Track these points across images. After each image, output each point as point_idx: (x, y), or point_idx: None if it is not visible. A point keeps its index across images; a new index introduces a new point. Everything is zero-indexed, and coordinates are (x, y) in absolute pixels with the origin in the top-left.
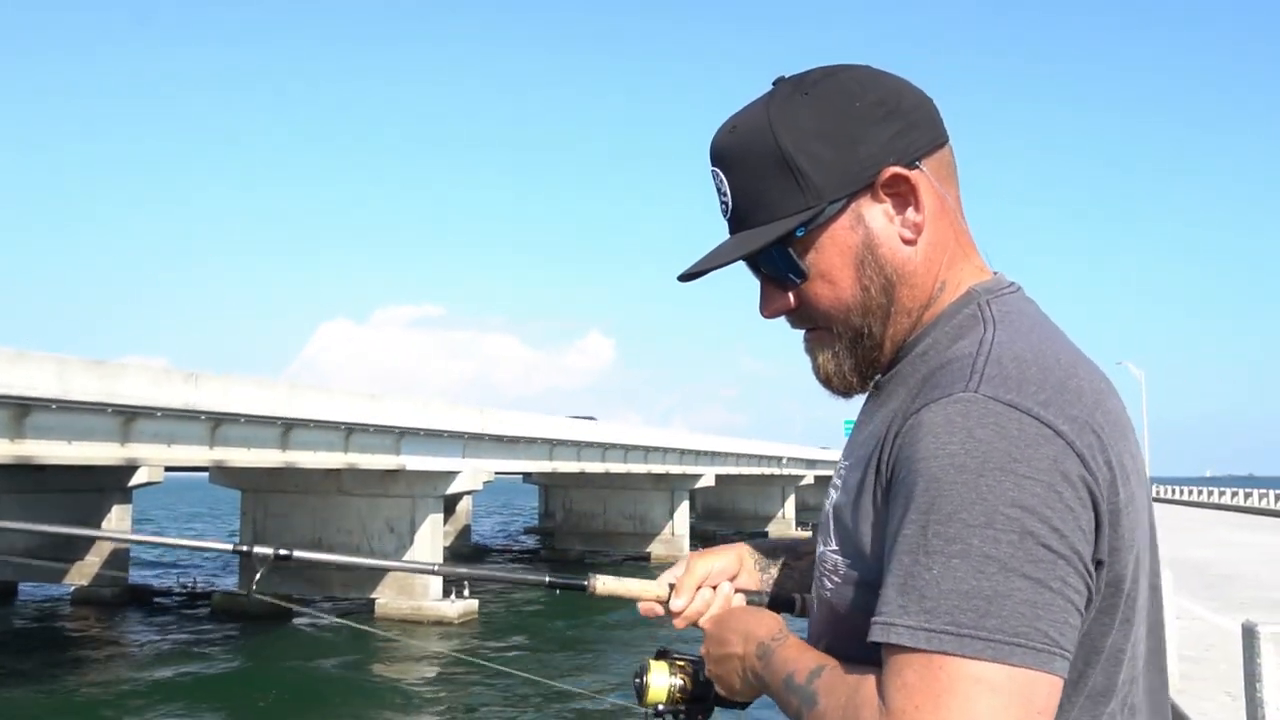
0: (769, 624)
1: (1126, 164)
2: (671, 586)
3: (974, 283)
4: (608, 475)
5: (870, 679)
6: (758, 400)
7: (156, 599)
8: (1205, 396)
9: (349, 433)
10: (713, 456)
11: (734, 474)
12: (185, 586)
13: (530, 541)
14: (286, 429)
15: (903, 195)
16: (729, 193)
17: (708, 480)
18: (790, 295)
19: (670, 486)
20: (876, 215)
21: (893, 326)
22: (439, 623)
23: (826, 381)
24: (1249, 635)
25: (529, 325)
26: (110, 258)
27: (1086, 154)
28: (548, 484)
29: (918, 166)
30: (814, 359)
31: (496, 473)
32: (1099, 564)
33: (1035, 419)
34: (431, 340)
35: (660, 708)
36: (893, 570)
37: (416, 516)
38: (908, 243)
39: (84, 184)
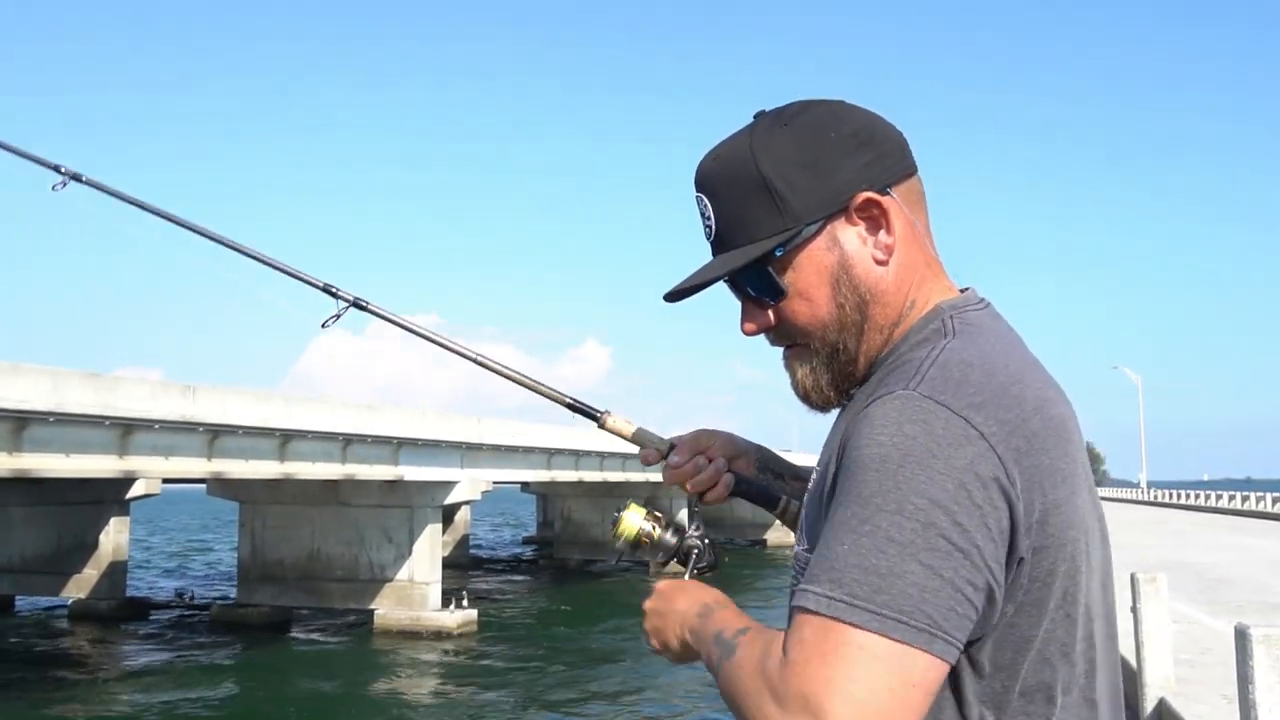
0: (716, 593)
1: (1125, 162)
2: (673, 446)
3: (941, 300)
4: (606, 484)
5: (781, 635)
6: (754, 408)
7: (154, 611)
8: (1203, 400)
9: (347, 443)
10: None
11: None
12: (183, 598)
13: (529, 551)
14: (284, 440)
15: (875, 219)
16: (712, 217)
17: None
18: (770, 313)
19: (670, 495)
20: (851, 237)
21: (866, 342)
22: (438, 634)
23: (805, 396)
24: (1241, 638)
25: (524, 333)
26: (105, 271)
27: (1084, 151)
28: (546, 493)
29: (889, 193)
30: (793, 375)
31: (495, 482)
32: (1020, 561)
33: (963, 419)
34: (428, 349)
35: (621, 543)
36: (818, 545)
37: (415, 527)
38: (880, 263)
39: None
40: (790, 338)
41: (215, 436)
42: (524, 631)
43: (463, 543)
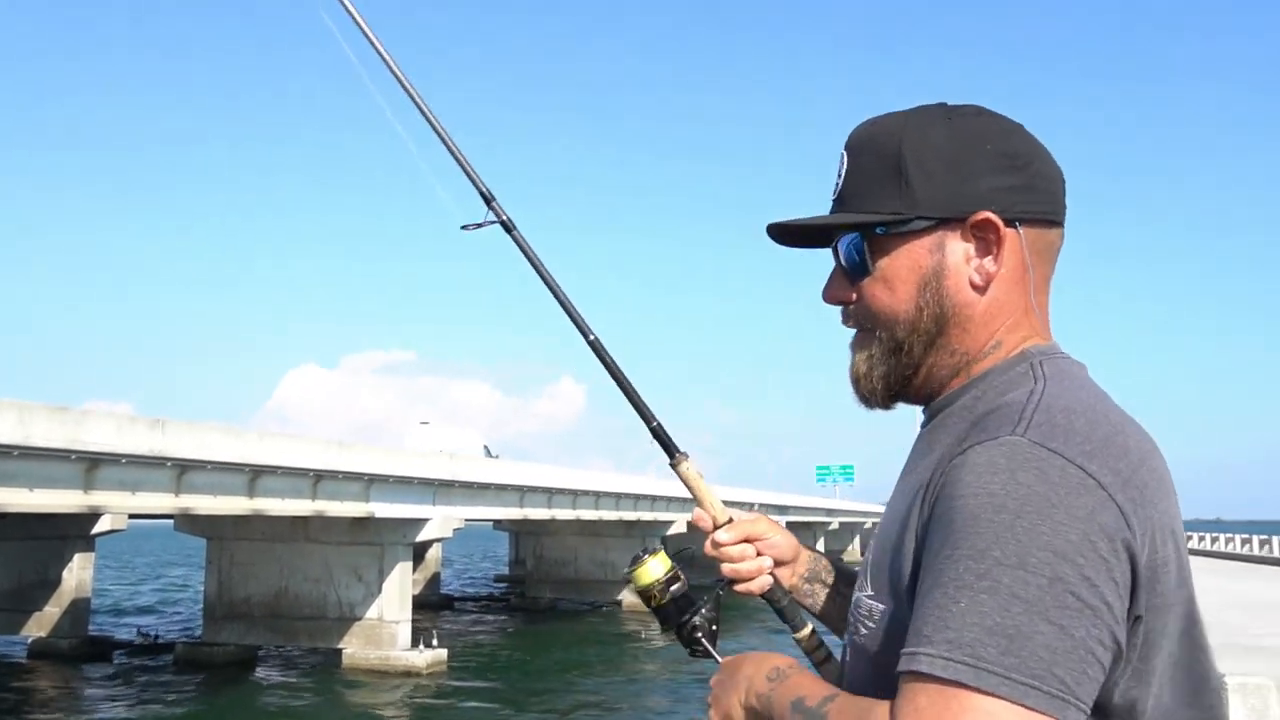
0: (785, 657)
1: (1087, 166)
2: (730, 520)
3: (1030, 346)
4: (579, 522)
5: (885, 704)
6: (730, 448)
7: (117, 651)
8: (1172, 442)
9: (317, 480)
10: (684, 503)
11: None
12: (147, 637)
13: (501, 590)
14: (254, 476)
15: (987, 242)
16: (844, 175)
17: (679, 526)
18: (851, 290)
19: (641, 533)
20: (956, 250)
21: (933, 357)
22: (407, 673)
23: (855, 381)
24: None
25: (500, 371)
26: (71, 301)
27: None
28: (519, 531)
29: (1015, 226)
30: (852, 356)
31: (467, 520)
32: (1137, 619)
33: (1079, 468)
34: (402, 386)
35: (631, 587)
36: (923, 602)
37: (385, 565)
38: (975, 288)
39: (44, 225)
40: (861, 320)
41: (184, 471)
42: (494, 672)
43: (433, 581)
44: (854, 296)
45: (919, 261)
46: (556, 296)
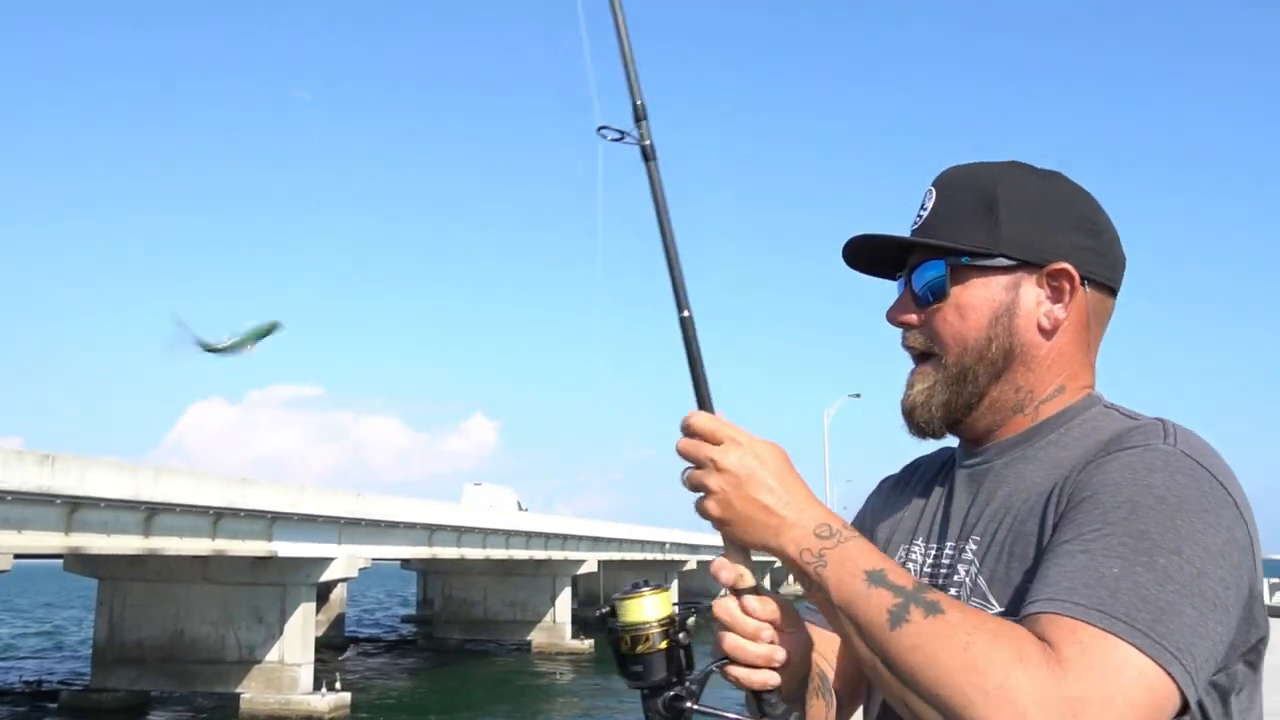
0: (828, 511)
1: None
2: (757, 590)
3: (1094, 393)
4: (488, 561)
5: (1021, 628)
6: (641, 486)
7: None
8: None
9: (218, 518)
10: (595, 542)
11: (617, 559)
12: (30, 684)
13: (407, 630)
14: (150, 514)
15: (1059, 291)
16: (930, 209)
17: (590, 566)
18: (920, 313)
19: (552, 573)
20: (1030, 294)
21: (997, 389)
22: (309, 718)
23: (910, 410)
24: None
25: (410, 407)
26: None
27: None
28: (427, 570)
29: (1084, 285)
30: (910, 387)
31: (373, 559)
32: (1261, 639)
33: (1222, 486)
34: (309, 421)
35: (614, 622)
36: (1064, 562)
37: (287, 605)
38: (1042, 331)
39: None
40: (926, 344)
41: (75, 509)
42: (400, 714)
43: (338, 622)
44: (919, 320)
45: (994, 296)
46: (669, 255)
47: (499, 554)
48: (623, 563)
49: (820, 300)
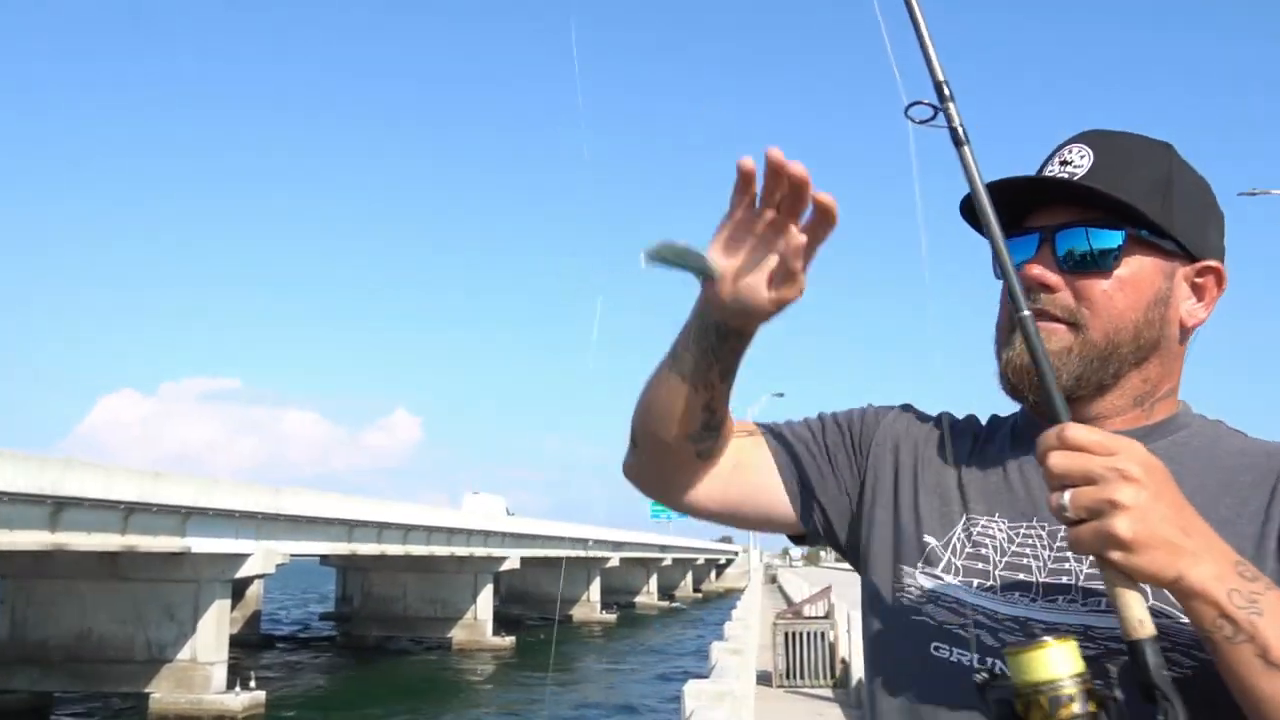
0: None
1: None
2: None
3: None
4: (409, 558)
5: None
6: (564, 483)
7: None
8: None
9: (129, 513)
10: (518, 538)
11: (539, 556)
12: None
13: (326, 627)
14: (57, 509)
15: (1203, 289)
16: (1086, 167)
17: (513, 563)
18: (1066, 277)
19: (474, 570)
20: (1181, 287)
21: (1133, 376)
22: (221, 717)
23: (1021, 369)
24: None
25: (332, 401)
26: None
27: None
28: (346, 566)
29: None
30: (1017, 344)
31: (292, 555)
32: None
33: None
34: (226, 415)
35: (1020, 680)
36: None
37: (201, 602)
38: (1182, 327)
39: None
40: (1072, 314)
41: None
42: (316, 714)
43: (254, 619)
44: (1063, 284)
45: (1155, 279)
46: (996, 252)
47: (420, 550)
48: (545, 560)
49: None
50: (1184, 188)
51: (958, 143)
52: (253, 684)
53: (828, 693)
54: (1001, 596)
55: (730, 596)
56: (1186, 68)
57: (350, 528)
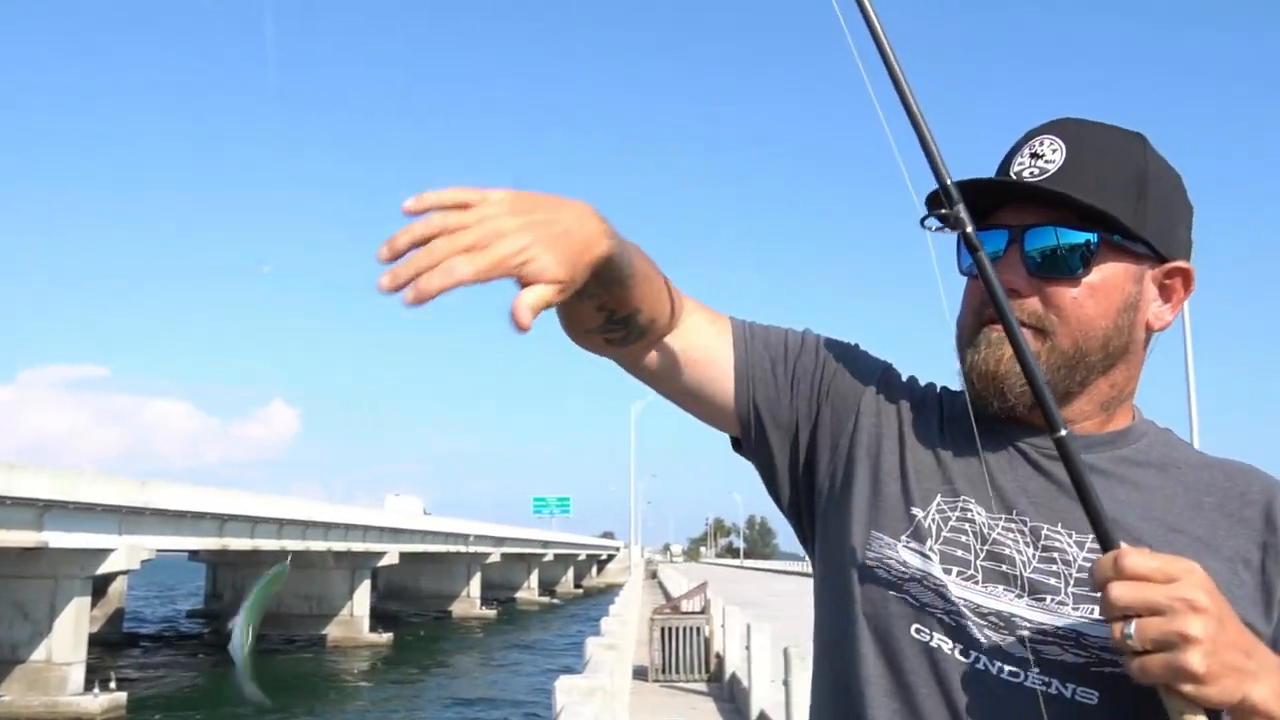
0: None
1: None
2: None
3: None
4: (283, 553)
5: None
6: (446, 478)
7: None
8: None
9: None
10: (397, 533)
11: (419, 551)
12: None
13: (194, 625)
14: None
15: (1170, 291)
16: (1057, 163)
17: (391, 558)
18: (1034, 281)
19: (352, 565)
20: (1149, 288)
21: (1100, 383)
22: None
23: (1003, 375)
24: None
25: (204, 391)
26: None
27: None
28: (217, 562)
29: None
30: (1000, 351)
31: (158, 550)
32: None
33: None
34: (92, 405)
35: None
36: None
37: (58, 600)
38: (1148, 328)
39: None
40: (1040, 320)
41: None
42: (180, 715)
43: (116, 617)
44: (1031, 290)
45: (1124, 284)
46: (1028, 372)
47: (295, 545)
48: (424, 555)
49: None
50: (1157, 185)
51: (972, 249)
52: (113, 685)
53: (703, 687)
54: (983, 588)
55: (611, 592)
56: (1158, 55)
57: (222, 522)
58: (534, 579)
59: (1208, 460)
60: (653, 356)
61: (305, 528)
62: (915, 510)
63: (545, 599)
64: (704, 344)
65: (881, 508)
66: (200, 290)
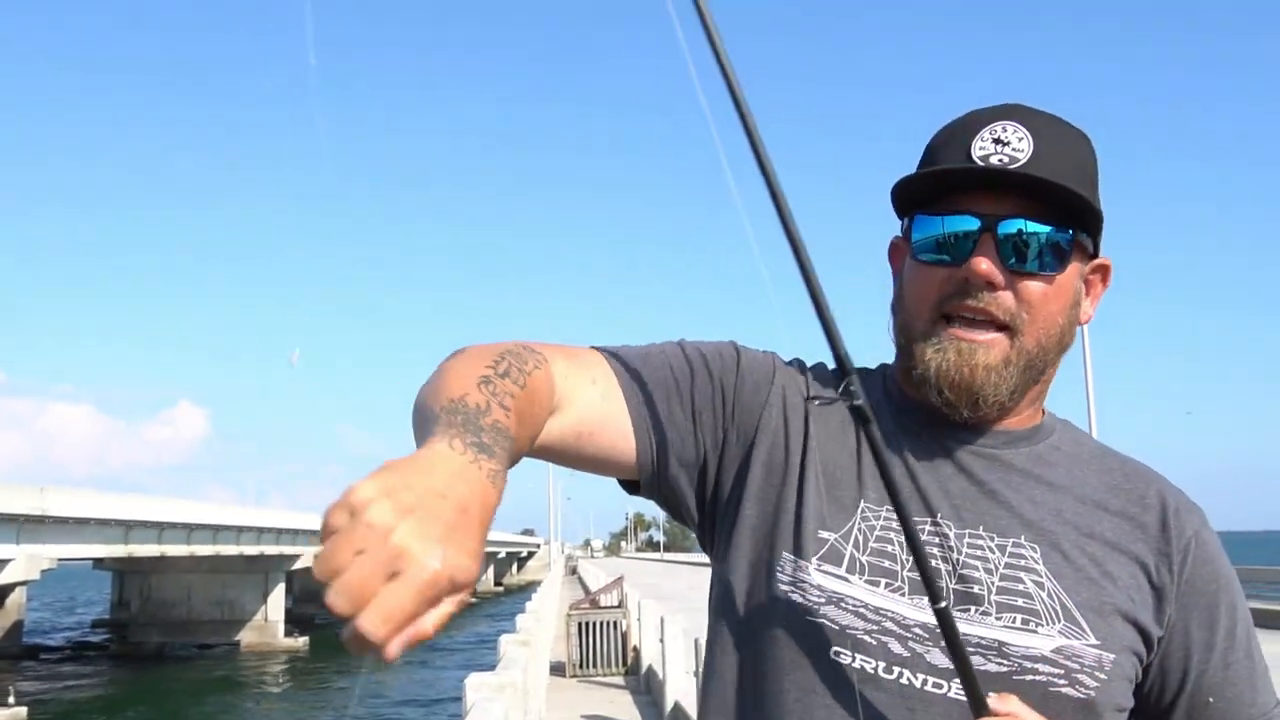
0: None
1: None
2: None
3: None
4: (194, 558)
5: None
6: (361, 476)
7: None
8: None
9: None
10: (311, 535)
11: None
12: None
13: (99, 636)
14: None
15: (1092, 285)
16: (1027, 153)
17: (306, 560)
18: (1010, 276)
19: (265, 569)
20: (1081, 285)
21: (1044, 377)
22: None
23: (979, 384)
24: None
25: (107, 393)
26: None
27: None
28: (123, 570)
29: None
30: (973, 355)
31: (60, 559)
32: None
33: None
34: None
35: None
36: (1251, 679)
37: None
38: (1073, 323)
39: None
40: (1006, 315)
41: None
42: None
43: (15, 630)
44: (1006, 284)
45: (1074, 280)
46: (907, 535)
47: (205, 550)
48: None
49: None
50: (1097, 179)
51: (864, 420)
52: (11, 699)
53: (620, 681)
54: (910, 600)
55: (531, 589)
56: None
57: (127, 528)
58: None
59: (1107, 454)
60: (545, 446)
61: (215, 532)
62: (824, 533)
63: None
64: (593, 413)
65: (789, 531)
66: (99, 287)
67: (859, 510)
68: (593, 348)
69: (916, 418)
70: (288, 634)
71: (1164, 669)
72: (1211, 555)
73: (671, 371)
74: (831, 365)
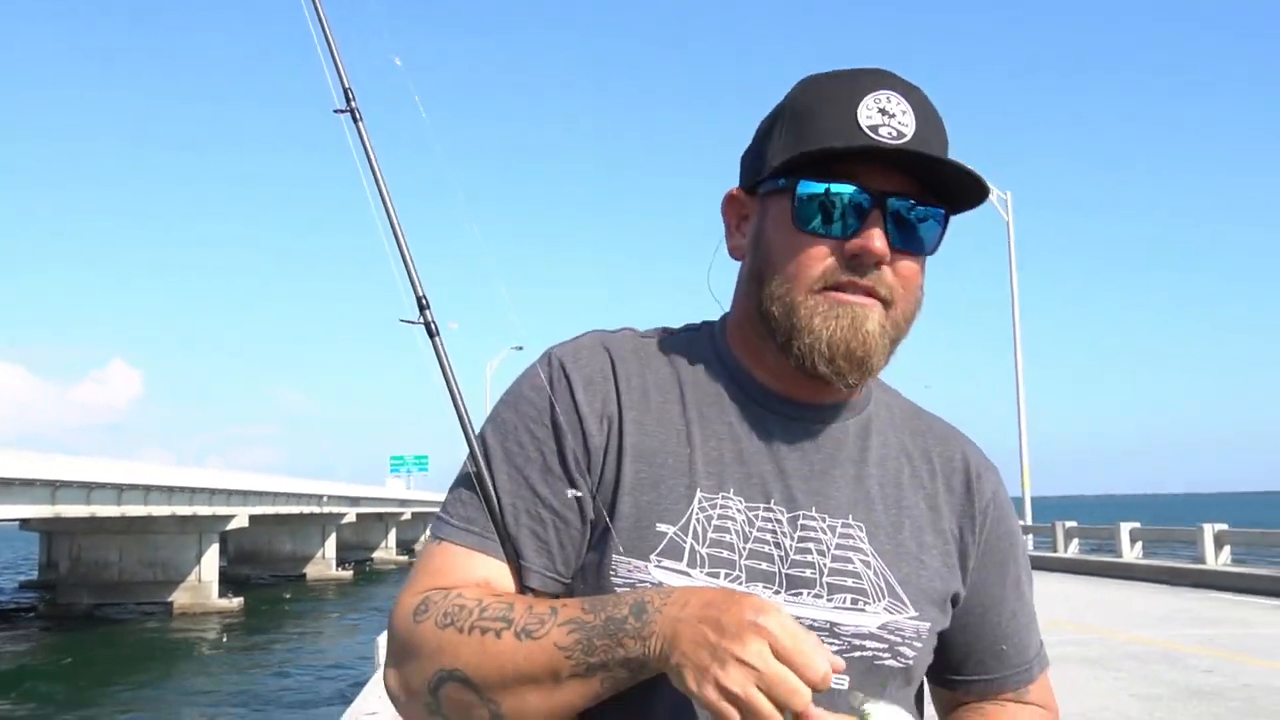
0: None
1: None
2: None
3: None
4: (125, 519)
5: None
6: (300, 438)
7: None
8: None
9: None
10: (246, 495)
11: (270, 514)
12: None
13: (27, 598)
14: None
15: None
16: (914, 129)
17: (241, 521)
18: (892, 254)
19: (199, 529)
20: None
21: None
22: None
23: (870, 352)
24: None
25: (33, 351)
26: None
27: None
28: (50, 530)
29: None
30: (865, 323)
31: None
32: None
33: None
34: None
35: None
36: (1030, 622)
37: None
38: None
39: None
40: (887, 290)
41: None
42: (13, 693)
43: None
44: (889, 258)
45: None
46: (462, 420)
47: (137, 510)
48: (276, 517)
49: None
50: None
51: (431, 333)
52: None
53: None
54: (747, 589)
55: None
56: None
57: (54, 488)
58: (392, 538)
59: (919, 414)
60: None
61: (147, 492)
62: (662, 526)
63: (404, 558)
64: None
65: (628, 531)
66: (24, 241)
67: (695, 500)
68: (436, 539)
69: (750, 389)
70: (222, 595)
71: (964, 623)
72: (1006, 513)
73: (530, 519)
74: (638, 327)
